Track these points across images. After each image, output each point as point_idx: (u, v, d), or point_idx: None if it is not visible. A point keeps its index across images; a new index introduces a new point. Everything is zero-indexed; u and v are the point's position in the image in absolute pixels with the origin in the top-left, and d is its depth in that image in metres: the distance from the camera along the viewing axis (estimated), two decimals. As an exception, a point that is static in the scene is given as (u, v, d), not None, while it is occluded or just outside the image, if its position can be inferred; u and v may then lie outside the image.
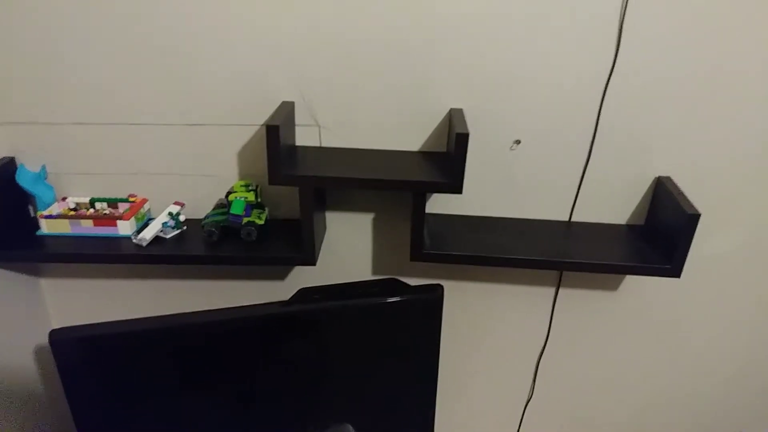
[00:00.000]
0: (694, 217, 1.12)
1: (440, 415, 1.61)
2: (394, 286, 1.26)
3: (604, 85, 1.19)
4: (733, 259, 1.38)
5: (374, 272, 1.44)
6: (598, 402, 1.62)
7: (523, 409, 1.64)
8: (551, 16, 1.14)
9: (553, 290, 1.45)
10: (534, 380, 1.59)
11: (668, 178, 1.27)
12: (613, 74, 1.18)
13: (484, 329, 1.52)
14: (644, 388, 1.59)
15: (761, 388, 1.56)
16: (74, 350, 1.09)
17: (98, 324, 1.09)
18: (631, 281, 1.42)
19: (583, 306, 1.47)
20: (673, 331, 1.49)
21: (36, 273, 1.45)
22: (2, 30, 1.17)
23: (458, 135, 1.07)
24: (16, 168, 1.26)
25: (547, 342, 1.52)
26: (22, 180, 1.25)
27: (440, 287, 1.26)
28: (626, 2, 1.12)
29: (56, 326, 1.11)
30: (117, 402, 1.19)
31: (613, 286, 1.44)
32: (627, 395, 1.60)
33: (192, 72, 1.21)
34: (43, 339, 1.46)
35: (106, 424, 1.20)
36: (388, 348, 1.29)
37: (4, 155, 1.27)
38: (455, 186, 1.11)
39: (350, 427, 1.42)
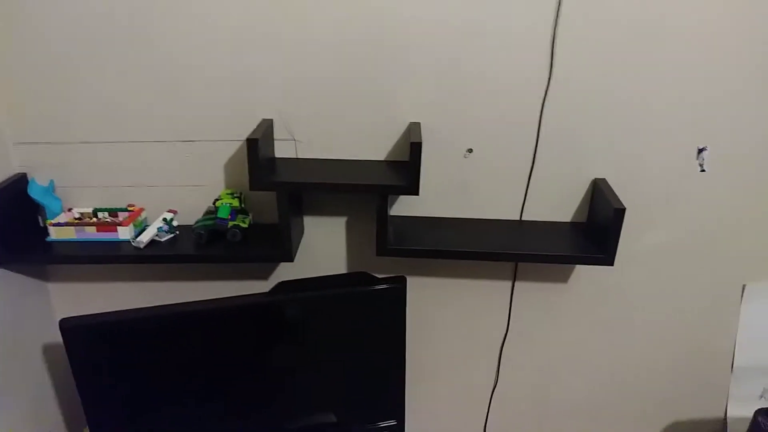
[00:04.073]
0: (620, 211, 1.29)
1: (411, 404, 1.73)
2: (364, 278, 1.43)
3: (542, 100, 1.37)
4: (665, 251, 1.54)
5: (348, 269, 1.59)
6: (558, 384, 1.76)
7: (490, 394, 1.79)
8: (493, 37, 1.32)
9: (509, 284, 1.61)
10: (498, 367, 1.74)
11: (603, 180, 1.44)
12: (549, 88, 1.36)
13: (448, 322, 1.67)
14: (597, 369, 1.73)
15: (698, 363, 1.72)
16: (82, 336, 1.24)
17: (103, 313, 1.24)
18: (578, 274, 1.59)
19: (537, 297, 1.63)
20: (617, 317, 1.65)
21: (44, 277, 1.60)
22: (18, 66, 1.35)
23: (413, 144, 1.24)
24: (27, 182, 1.42)
25: (508, 331, 1.68)
26: (33, 192, 1.41)
27: (404, 278, 1.43)
28: (556, 22, 1.30)
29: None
30: (120, 384, 1.34)
31: (564, 279, 1.60)
32: (583, 376, 1.74)
33: (181, 95, 1.38)
34: (50, 338, 1.61)
35: (111, 408, 1.35)
36: (359, 333, 1.45)
37: (17, 171, 1.44)
38: (412, 188, 1.28)
39: (332, 415, 1.56)
